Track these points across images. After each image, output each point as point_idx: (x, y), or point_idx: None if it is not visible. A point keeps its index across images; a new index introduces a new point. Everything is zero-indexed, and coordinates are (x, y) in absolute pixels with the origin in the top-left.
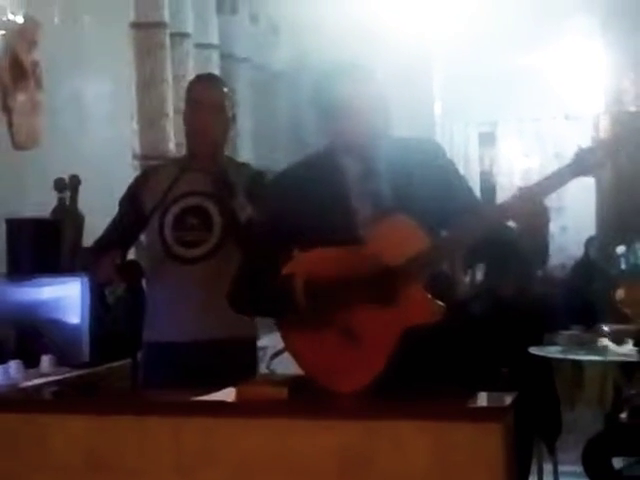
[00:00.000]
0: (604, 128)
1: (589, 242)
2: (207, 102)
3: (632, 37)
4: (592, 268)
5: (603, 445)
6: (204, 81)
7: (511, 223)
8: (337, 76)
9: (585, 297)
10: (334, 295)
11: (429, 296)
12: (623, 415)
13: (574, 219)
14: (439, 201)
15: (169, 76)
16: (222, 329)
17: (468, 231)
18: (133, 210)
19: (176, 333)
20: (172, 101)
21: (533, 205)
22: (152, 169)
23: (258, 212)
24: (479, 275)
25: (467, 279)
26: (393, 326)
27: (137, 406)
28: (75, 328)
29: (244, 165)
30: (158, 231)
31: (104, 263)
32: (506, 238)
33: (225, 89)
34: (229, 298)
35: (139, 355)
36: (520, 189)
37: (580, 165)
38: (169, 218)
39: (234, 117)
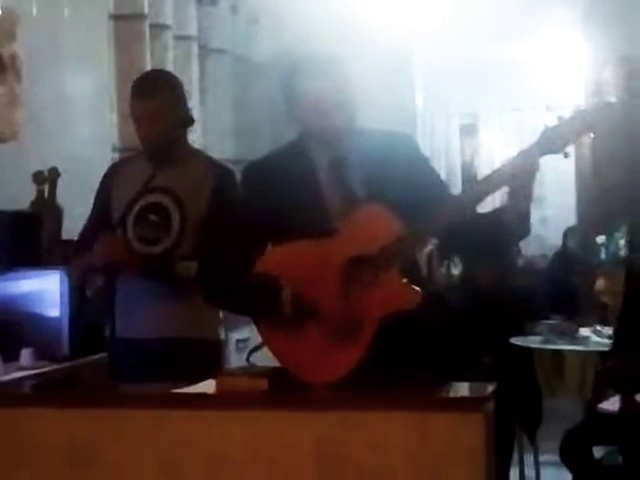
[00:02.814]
0: None
1: (568, 232)
2: (144, 116)
3: (612, 29)
4: (570, 258)
5: (583, 435)
6: (137, 93)
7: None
8: (297, 71)
9: (565, 287)
10: (318, 310)
11: (405, 282)
12: (603, 405)
13: (554, 210)
14: (411, 192)
15: (148, 68)
16: (178, 328)
17: (441, 214)
18: (105, 206)
19: (133, 330)
20: None
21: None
22: (121, 162)
23: (227, 209)
24: (456, 267)
25: (443, 270)
26: (371, 314)
27: (117, 399)
28: (55, 321)
29: (212, 161)
30: (122, 228)
31: (112, 240)
32: (483, 226)
33: (165, 88)
34: (204, 293)
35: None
36: (494, 171)
37: (547, 142)
38: (131, 215)
39: (186, 109)
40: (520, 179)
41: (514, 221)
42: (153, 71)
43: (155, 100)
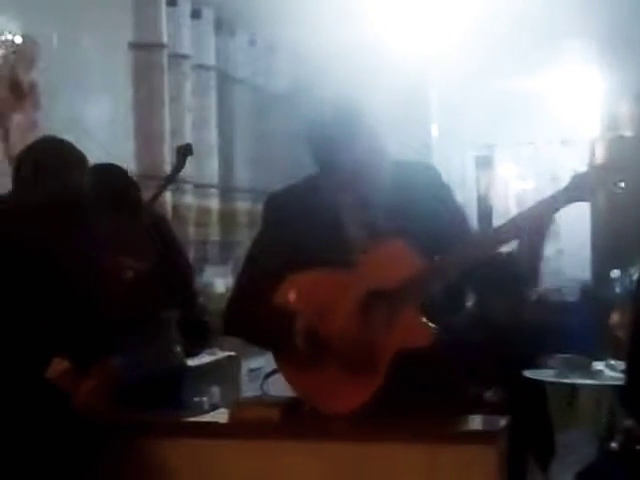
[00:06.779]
0: (600, 152)
1: None
2: None
3: (628, 63)
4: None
5: (596, 473)
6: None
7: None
8: (328, 116)
9: (580, 321)
10: (333, 342)
11: (422, 319)
12: (614, 444)
13: (570, 243)
14: (434, 223)
15: (167, 97)
16: None
17: (463, 255)
18: None
19: None
20: (169, 122)
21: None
22: None
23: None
24: (469, 300)
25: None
26: (386, 349)
27: (128, 428)
28: None
29: None
30: None
31: None
32: (498, 262)
33: None
34: (224, 322)
35: None
36: (518, 214)
37: (575, 190)
38: None
39: None
40: (540, 225)
41: (525, 264)
42: None
43: None
